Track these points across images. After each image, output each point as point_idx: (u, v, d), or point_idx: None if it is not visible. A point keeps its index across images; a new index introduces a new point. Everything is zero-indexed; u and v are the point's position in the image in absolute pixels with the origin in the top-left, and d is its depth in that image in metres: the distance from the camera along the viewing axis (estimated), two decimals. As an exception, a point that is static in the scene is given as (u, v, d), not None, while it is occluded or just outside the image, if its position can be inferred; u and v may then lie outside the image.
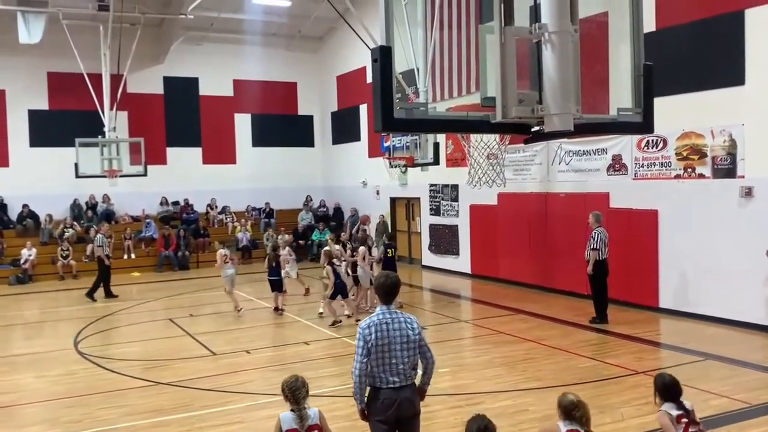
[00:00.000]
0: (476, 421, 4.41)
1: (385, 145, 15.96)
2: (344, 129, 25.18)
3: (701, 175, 12.12)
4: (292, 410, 4.75)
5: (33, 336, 13.12)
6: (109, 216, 23.13)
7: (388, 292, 5.07)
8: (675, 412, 5.00)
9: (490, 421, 4.39)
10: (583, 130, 4.27)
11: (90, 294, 16.33)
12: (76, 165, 19.49)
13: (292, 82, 26.44)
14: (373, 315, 5.08)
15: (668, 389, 5.12)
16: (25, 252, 20.17)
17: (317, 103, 26.83)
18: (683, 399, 5.10)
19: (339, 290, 12.89)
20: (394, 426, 5.05)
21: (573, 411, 4.67)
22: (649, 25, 12.05)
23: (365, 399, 5.06)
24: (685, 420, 4.99)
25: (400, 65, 4.06)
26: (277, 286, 13.98)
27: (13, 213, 22.21)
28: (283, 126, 26.13)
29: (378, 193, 23.12)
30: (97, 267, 16.70)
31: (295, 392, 4.74)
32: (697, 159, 12.18)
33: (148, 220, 22.94)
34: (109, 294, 16.56)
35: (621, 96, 4.85)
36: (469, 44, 17.49)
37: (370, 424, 5.12)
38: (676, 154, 12.56)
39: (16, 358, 11.19)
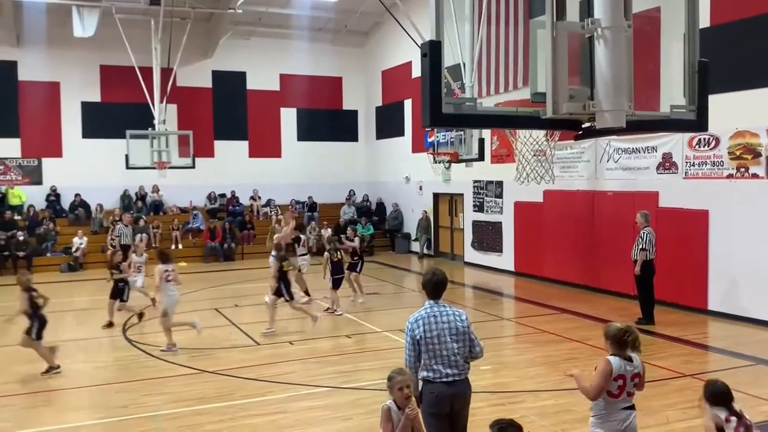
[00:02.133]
0: (499, 421, 4.31)
1: (429, 140, 15.88)
2: (388, 124, 25.19)
3: (755, 175, 11.78)
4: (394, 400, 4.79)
5: (82, 322, 13.46)
6: (157, 207, 23.65)
7: (435, 287, 5.21)
8: (723, 414, 4.69)
9: (515, 423, 4.30)
10: (634, 127, 4.20)
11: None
12: (126, 156, 19.94)
13: (338, 76, 26.56)
14: (422, 309, 5.19)
15: (719, 397, 4.76)
16: (76, 240, 20.74)
17: (362, 97, 26.90)
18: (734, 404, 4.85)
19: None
20: (447, 418, 5.12)
21: (624, 336, 4.76)
22: (704, 20, 11.75)
23: (419, 389, 5.14)
24: (734, 419, 4.66)
25: (446, 60, 4.04)
26: (337, 285, 13.56)
27: (66, 202, 22.85)
28: (327, 120, 26.28)
29: (421, 188, 23.08)
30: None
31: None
32: (751, 158, 11.83)
33: (195, 212, 23.35)
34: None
35: (674, 93, 4.74)
36: (517, 39, 17.31)
37: (422, 415, 5.17)
38: (728, 153, 12.22)
39: (66, 343, 11.47)
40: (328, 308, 13.60)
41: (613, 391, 4.77)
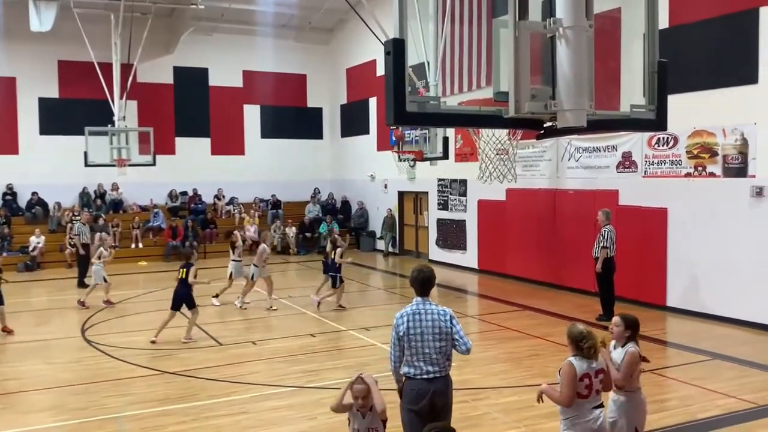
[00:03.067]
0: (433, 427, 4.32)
1: (394, 138, 15.91)
2: (353, 122, 25.16)
3: (712, 174, 12.05)
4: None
5: (40, 323, 13.18)
6: (117, 205, 23.24)
7: (422, 284, 5.29)
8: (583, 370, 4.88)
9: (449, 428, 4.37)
10: (595, 126, 4.24)
11: (81, 283, 16.61)
12: (85, 153, 19.57)
13: (302, 74, 26.43)
14: (408, 306, 5.26)
15: (635, 327, 5.58)
16: (33, 239, 20.29)
17: (327, 95, 26.81)
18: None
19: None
20: (426, 416, 5.14)
21: (581, 342, 4.80)
22: (663, 21, 11.98)
23: (401, 383, 5.27)
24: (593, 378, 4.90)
25: (410, 59, 4.03)
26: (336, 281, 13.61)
27: (23, 200, 22.32)
28: (292, 118, 26.13)
29: (386, 186, 23.11)
30: (76, 255, 16.94)
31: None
32: (708, 158, 12.10)
33: (156, 210, 23.01)
34: (81, 284, 16.66)
35: (634, 92, 4.81)
36: (481, 38, 17.42)
37: (402, 411, 5.25)
38: (686, 152, 12.48)
39: (24, 344, 11.24)
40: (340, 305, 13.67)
41: (582, 393, 4.77)
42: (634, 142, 13.46)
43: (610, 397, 5.30)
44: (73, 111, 21.88)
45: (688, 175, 12.47)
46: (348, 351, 10.56)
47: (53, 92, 22.68)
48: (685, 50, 12.01)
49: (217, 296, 14.28)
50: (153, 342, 10.98)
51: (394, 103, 3.79)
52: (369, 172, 24.00)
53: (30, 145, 22.34)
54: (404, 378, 5.23)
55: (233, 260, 14.58)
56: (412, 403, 5.17)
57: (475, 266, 18.49)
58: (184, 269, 11.38)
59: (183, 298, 11.25)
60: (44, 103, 22.57)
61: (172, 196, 23.95)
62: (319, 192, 25.93)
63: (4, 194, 22.09)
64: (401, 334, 5.14)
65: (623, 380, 5.18)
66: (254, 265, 13.87)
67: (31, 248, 20.23)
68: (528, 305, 13.75)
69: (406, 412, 5.21)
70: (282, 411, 7.79)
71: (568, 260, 15.01)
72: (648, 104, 4.69)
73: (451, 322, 5.18)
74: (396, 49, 3.78)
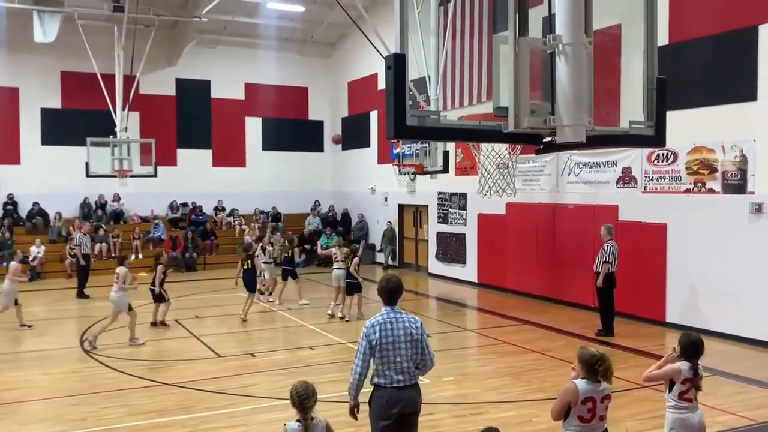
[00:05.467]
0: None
1: (395, 152, 15.96)
2: (354, 135, 25.23)
3: (711, 190, 12.08)
4: (297, 420, 4.58)
5: (40, 333, 13.14)
6: (118, 216, 23.27)
7: (391, 293, 5.29)
8: (685, 374, 5.24)
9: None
10: (594, 142, 4.27)
11: (80, 294, 16.65)
12: (87, 164, 19.61)
13: (304, 87, 26.53)
14: (378, 315, 5.21)
15: (692, 348, 5.32)
16: (34, 249, 20.26)
17: (328, 108, 26.90)
18: (700, 362, 5.35)
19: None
20: (395, 424, 5.14)
21: (596, 365, 4.68)
22: (663, 38, 12.05)
23: (358, 397, 5.23)
24: (689, 384, 5.26)
25: (411, 73, 4.07)
26: (356, 288, 13.83)
27: (23, 210, 22.34)
28: (293, 130, 26.20)
29: (386, 199, 23.14)
30: (76, 266, 16.94)
31: (303, 400, 4.57)
32: (708, 174, 12.13)
33: (156, 221, 23.04)
34: (81, 294, 16.68)
35: (633, 109, 4.84)
36: (481, 53, 17.51)
37: (372, 423, 5.21)
38: (686, 168, 12.52)
39: (23, 354, 11.24)
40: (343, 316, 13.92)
41: (584, 416, 4.69)
42: (633, 157, 13.50)
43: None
44: (75, 122, 21.93)
45: (687, 191, 12.51)
46: (347, 364, 10.52)
47: (56, 103, 22.76)
48: (685, 67, 12.07)
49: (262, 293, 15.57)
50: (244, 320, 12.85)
51: (394, 116, 3.82)
52: (369, 184, 24.04)
53: (32, 156, 22.38)
54: (373, 387, 5.21)
55: (265, 263, 15.50)
56: (381, 411, 5.14)
57: (475, 280, 18.48)
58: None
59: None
60: (46, 114, 22.64)
61: (172, 207, 23.99)
62: (320, 204, 25.96)
63: (5, 204, 22.10)
64: (373, 343, 5.11)
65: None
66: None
67: (31, 258, 20.21)
68: (527, 320, 13.74)
69: (375, 420, 5.19)
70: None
71: (568, 275, 15.00)
72: (647, 120, 4.72)
73: (421, 330, 5.23)
74: (397, 64, 3.82)
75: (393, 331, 5.14)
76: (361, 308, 14.00)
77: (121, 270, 11.71)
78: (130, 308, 11.71)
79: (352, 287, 13.76)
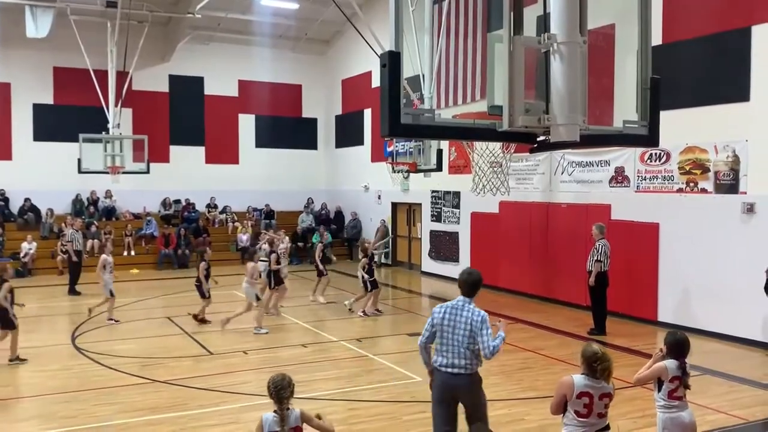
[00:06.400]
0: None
1: (389, 150, 15.95)
2: (348, 133, 25.21)
3: (703, 190, 12.12)
4: (274, 411, 4.64)
5: (31, 330, 13.05)
6: (110, 212, 23.18)
7: (471, 286, 5.70)
8: (673, 372, 5.26)
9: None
10: (588, 141, 4.29)
11: (72, 290, 16.61)
12: (79, 160, 19.53)
13: (298, 84, 26.48)
14: (453, 301, 5.65)
15: (678, 346, 5.34)
16: (25, 245, 20.18)
17: (322, 106, 26.86)
18: (687, 360, 5.37)
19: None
20: (451, 406, 5.58)
21: (594, 363, 4.75)
22: (656, 38, 12.07)
23: (430, 366, 5.68)
24: (677, 382, 5.28)
25: (406, 71, 4.08)
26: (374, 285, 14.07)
27: (15, 206, 22.23)
28: (287, 128, 26.16)
29: (379, 197, 23.13)
30: (68, 262, 16.92)
31: (279, 391, 4.63)
32: (700, 174, 12.18)
33: (149, 218, 22.96)
34: (72, 291, 16.64)
35: (627, 108, 4.86)
36: (476, 52, 17.52)
37: (432, 400, 5.70)
38: (678, 168, 12.56)
39: (13, 351, 11.17)
40: (378, 310, 14.06)
41: (580, 411, 4.73)
42: (626, 157, 13.53)
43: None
44: (68, 117, 21.82)
45: (680, 190, 12.55)
46: (339, 362, 10.53)
47: (48, 98, 22.63)
48: (678, 67, 12.10)
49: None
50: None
51: (389, 114, 3.82)
52: (363, 182, 24.03)
53: (23, 151, 22.26)
54: (433, 368, 5.60)
55: (262, 260, 14.74)
56: (436, 393, 5.60)
57: (468, 278, 18.45)
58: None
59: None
60: (39, 109, 22.51)
61: (165, 204, 23.93)
62: (313, 202, 25.94)
63: (-4, 200, 22.00)
64: (435, 321, 5.54)
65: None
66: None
67: (22, 254, 20.13)
68: (520, 318, 13.76)
69: (433, 401, 5.65)
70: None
71: (561, 274, 15.04)
72: (641, 120, 4.74)
73: (482, 326, 5.46)
74: (392, 62, 3.82)
75: (456, 317, 5.48)
76: (377, 305, 14.28)
77: (249, 265, 12.71)
78: (258, 299, 12.53)
79: (366, 284, 14.04)
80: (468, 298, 5.60)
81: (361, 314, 13.89)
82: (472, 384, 5.51)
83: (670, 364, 5.28)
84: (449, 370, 5.46)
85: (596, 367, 4.72)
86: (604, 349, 4.87)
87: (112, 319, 13.25)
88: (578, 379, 4.74)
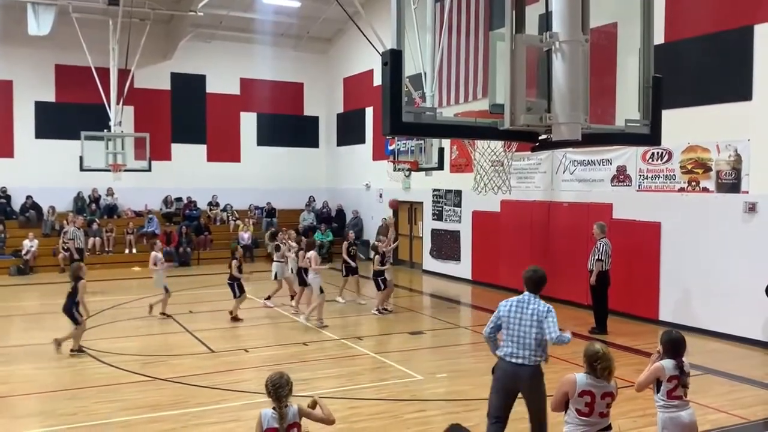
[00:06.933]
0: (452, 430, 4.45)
1: (390, 148, 15.95)
2: (349, 131, 25.20)
3: (705, 189, 12.11)
4: (273, 408, 4.67)
5: (32, 327, 13.11)
6: (112, 210, 23.20)
7: (536, 283, 5.96)
8: (670, 372, 5.24)
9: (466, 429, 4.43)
10: (590, 140, 4.28)
11: None
12: (80, 158, 19.53)
13: (299, 82, 26.48)
14: (519, 296, 5.90)
15: (673, 345, 5.33)
16: (26, 243, 20.21)
17: (323, 104, 26.85)
18: (684, 359, 5.34)
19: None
20: (511, 397, 5.85)
21: (595, 362, 4.78)
22: (658, 37, 12.05)
23: (495, 352, 6.00)
24: (675, 381, 5.25)
25: (407, 69, 4.07)
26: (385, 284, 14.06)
27: (17, 204, 22.24)
28: (288, 126, 26.16)
29: (381, 196, 23.11)
30: (69, 260, 16.92)
31: (277, 389, 4.66)
32: (702, 173, 12.16)
33: (150, 216, 22.97)
34: None
35: (628, 107, 4.85)
36: (477, 50, 17.50)
37: (490, 391, 6.03)
38: (680, 167, 12.54)
39: (14, 349, 11.19)
40: (385, 308, 14.09)
41: (581, 409, 4.75)
42: (628, 156, 13.52)
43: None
44: (69, 115, 21.84)
45: (681, 189, 12.53)
46: (340, 360, 10.53)
47: (50, 96, 22.64)
48: (680, 66, 12.08)
49: (269, 298, 14.77)
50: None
51: (390, 112, 3.82)
52: (364, 181, 24.02)
53: (25, 149, 22.27)
54: (497, 359, 5.89)
55: (276, 261, 14.94)
56: (496, 381, 5.90)
57: (469, 277, 18.49)
58: None
59: None
60: (40, 107, 22.52)
61: (167, 202, 23.94)
62: (314, 200, 25.94)
63: (-2, 197, 22.02)
64: (501, 314, 5.84)
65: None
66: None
67: (24, 252, 20.15)
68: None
69: (492, 389, 5.98)
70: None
71: (562, 272, 14.99)
72: (642, 119, 4.73)
73: (547, 314, 5.71)
74: (393, 60, 3.81)
75: (522, 310, 5.76)
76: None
77: (311, 254, 12.85)
78: (321, 291, 12.73)
79: (378, 283, 14.09)
80: (534, 294, 5.85)
81: (375, 312, 13.93)
82: (533, 376, 5.71)
83: (667, 363, 5.27)
84: (514, 360, 5.68)
85: (597, 366, 4.74)
86: (606, 348, 4.87)
87: (164, 314, 13.55)
88: (581, 377, 4.76)
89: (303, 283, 13.56)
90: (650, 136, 4.79)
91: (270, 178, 25.34)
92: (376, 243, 14.93)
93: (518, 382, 5.75)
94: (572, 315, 13.79)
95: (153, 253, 13.98)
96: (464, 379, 9.52)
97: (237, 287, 13.25)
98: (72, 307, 10.62)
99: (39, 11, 19.59)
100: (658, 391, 5.32)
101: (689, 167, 12.39)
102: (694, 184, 12.31)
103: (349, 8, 16.80)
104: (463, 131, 4.83)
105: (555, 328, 5.60)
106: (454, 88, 18.38)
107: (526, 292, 5.87)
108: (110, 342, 11.50)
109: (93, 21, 20.47)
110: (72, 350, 10.63)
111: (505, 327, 5.79)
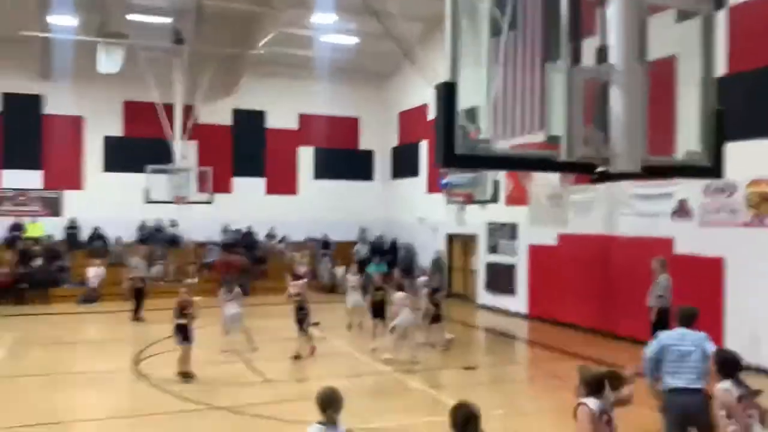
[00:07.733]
0: (461, 408, 4.37)
1: (444, 181, 15.97)
2: (404, 164, 25.36)
3: (772, 224, 11.70)
4: (319, 422, 4.66)
5: (96, 355, 13.47)
6: (174, 240, 23.78)
7: (687, 319, 6.56)
8: (736, 392, 5.06)
9: (473, 407, 4.36)
10: (649, 172, 4.21)
11: (136, 317, 17.06)
12: (146, 190, 20.16)
13: (355, 117, 26.86)
14: (675, 330, 6.45)
15: (729, 364, 5.24)
16: (91, 272, 20.84)
17: (378, 138, 27.12)
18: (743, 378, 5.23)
19: None
20: (682, 424, 6.12)
21: (602, 383, 4.94)
22: (721, 67, 11.82)
23: (653, 376, 6.37)
24: (745, 401, 5.07)
25: (462, 102, 4.11)
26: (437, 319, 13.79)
27: (84, 234, 23.04)
28: (344, 160, 26.50)
29: (435, 229, 23.07)
30: (133, 289, 17.46)
31: (332, 402, 4.68)
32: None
33: (211, 246, 23.45)
34: (136, 318, 17.07)
35: (689, 139, 4.76)
36: (534, 82, 17.44)
37: (664, 421, 6.32)
38: (745, 200, 12.17)
39: (78, 376, 11.51)
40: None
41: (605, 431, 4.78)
42: (689, 189, 13.19)
43: None
44: (136, 149, 22.58)
45: (746, 224, 12.14)
46: (396, 395, 10.46)
47: (118, 131, 23.53)
48: (744, 97, 11.78)
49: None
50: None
51: (444, 144, 3.85)
52: (418, 214, 24.05)
53: (94, 182, 23.15)
54: (667, 392, 6.17)
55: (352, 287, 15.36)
56: (671, 420, 6.16)
57: (525, 311, 18.20)
58: None
59: None
60: (109, 142, 23.42)
61: (227, 233, 24.42)
62: (365, 232, 26.09)
63: (68, 228, 22.86)
64: (663, 343, 6.30)
65: None
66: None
67: (90, 281, 20.80)
68: (579, 353, 13.41)
69: (667, 422, 6.26)
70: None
71: (622, 308, 14.65)
72: (704, 151, 4.63)
73: (705, 337, 6.25)
74: (447, 92, 3.86)
75: (683, 340, 6.26)
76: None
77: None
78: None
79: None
80: (688, 329, 6.35)
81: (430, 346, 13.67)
82: (704, 402, 5.85)
83: (724, 384, 5.15)
84: (680, 385, 6.04)
85: (605, 384, 4.96)
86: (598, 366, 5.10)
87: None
88: (593, 404, 4.81)
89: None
90: (712, 168, 4.68)
91: (326, 211, 25.61)
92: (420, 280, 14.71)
93: (691, 413, 6.07)
94: (633, 352, 13.34)
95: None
96: (520, 417, 9.35)
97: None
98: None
99: (109, 50, 20.51)
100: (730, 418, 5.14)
101: (754, 201, 12.01)
102: (759, 218, 11.92)
103: (404, 44, 17.04)
104: (519, 163, 4.82)
105: (712, 347, 6.18)
106: (510, 120, 18.23)
107: (681, 328, 6.48)
108: (171, 370, 11.70)
109: (159, 59, 21.30)
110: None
111: (668, 356, 6.29)
